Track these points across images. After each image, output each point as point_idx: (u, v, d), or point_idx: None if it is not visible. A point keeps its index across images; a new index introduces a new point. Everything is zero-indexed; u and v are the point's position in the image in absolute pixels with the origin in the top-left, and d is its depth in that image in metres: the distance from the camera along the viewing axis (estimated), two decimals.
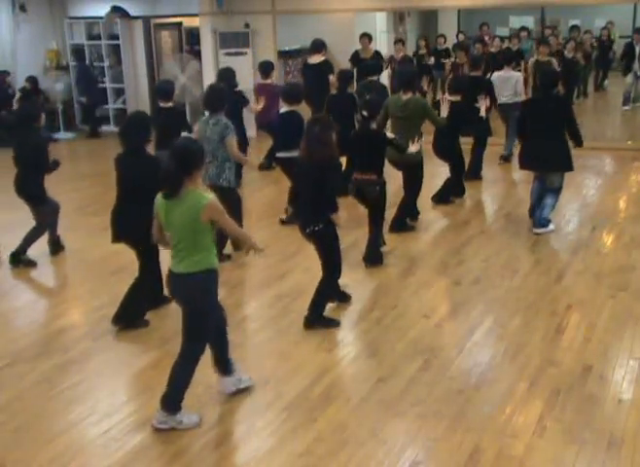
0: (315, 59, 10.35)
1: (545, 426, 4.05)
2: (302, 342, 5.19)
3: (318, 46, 10.31)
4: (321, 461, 3.82)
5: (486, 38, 13.33)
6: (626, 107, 13.99)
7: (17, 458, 3.94)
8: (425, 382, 4.56)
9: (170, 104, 7.92)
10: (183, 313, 4.13)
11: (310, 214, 5.29)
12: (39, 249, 7.19)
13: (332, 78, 9.76)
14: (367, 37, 11.11)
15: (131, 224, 5.28)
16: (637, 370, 4.64)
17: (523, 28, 13.80)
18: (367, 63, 10.25)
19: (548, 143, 7.07)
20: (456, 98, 8.15)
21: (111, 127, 13.65)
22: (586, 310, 5.57)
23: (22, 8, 13.52)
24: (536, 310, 5.59)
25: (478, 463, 3.76)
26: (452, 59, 12.44)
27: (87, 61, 13.99)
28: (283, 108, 7.84)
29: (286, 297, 5.98)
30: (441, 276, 6.36)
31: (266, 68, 9.96)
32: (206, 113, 6.76)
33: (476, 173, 9.49)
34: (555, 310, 5.57)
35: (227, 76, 9.09)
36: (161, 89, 8.01)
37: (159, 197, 4.08)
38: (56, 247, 7.22)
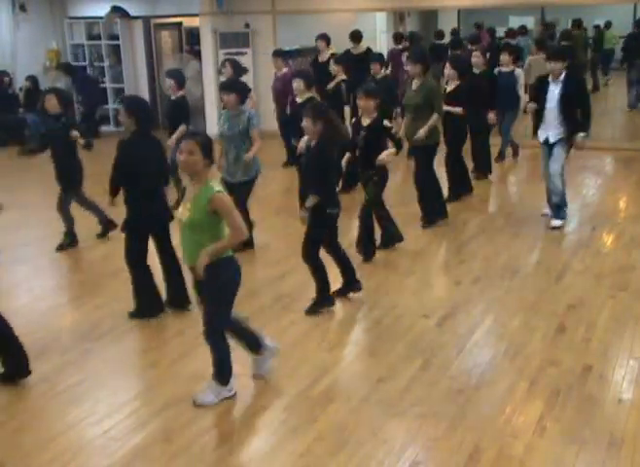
0: (357, 49, 10.71)
1: (545, 426, 4.04)
2: (302, 342, 5.20)
3: (359, 36, 10.78)
4: (321, 461, 3.82)
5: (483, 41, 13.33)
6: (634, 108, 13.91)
7: (17, 458, 3.94)
8: (425, 382, 4.56)
9: (182, 93, 8.13)
10: None
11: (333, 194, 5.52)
12: (39, 249, 7.20)
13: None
14: (324, 40, 10.66)
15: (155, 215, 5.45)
16: (637, 370, 4.64)
17: (522, 27, 13.86)
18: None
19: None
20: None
21: (111, 127, 13.67)
22: (586, 310, 5.57)
23: (22, 8, 13.53)
24: (536, 310, 5.59)
25: (478, 463, 3.76)
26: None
27: (86, 63, 14.01)
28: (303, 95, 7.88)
29: (286, 297, 5.98)
30: (441, 276, 6.36)
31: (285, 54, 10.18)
32: (242, 105, 6.87)
33: (486, 166, 9.50)
34: (555, 310, 5.57)
35: (238, 67, 9.31)
36: (175, 78, 8.18)
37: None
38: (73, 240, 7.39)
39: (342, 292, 5.88)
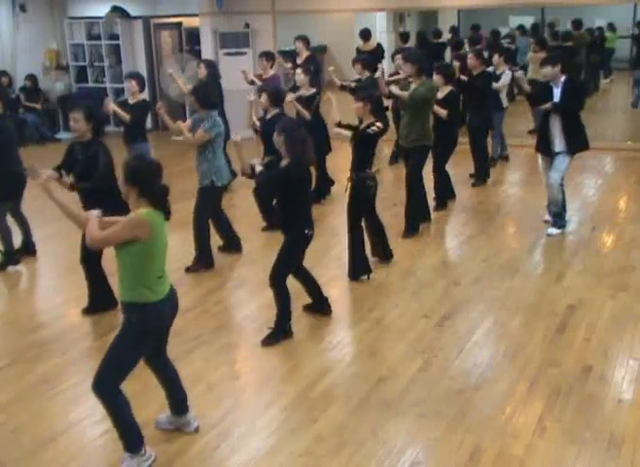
0: (368, 46, 10.82)
1: (545, 426, 4.05)
2: (302, 342, 5.19)
3: (368, 34, 10.95)
4: (321, 461, 3.82)
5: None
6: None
7: (17, 458, 3.94)
8: (425, 382, 4.56)
9: (143, 97, 7.84)
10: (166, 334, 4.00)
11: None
12: (38, 249, 7.20)
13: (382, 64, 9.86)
14: (302, 41, 10.06)
15: None
16: (637, 370, 4.64)
17: (520, 27, 13.92)
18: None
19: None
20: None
21: (111, 127, 13.65)
22: (586, 310, 5.57)
23: (22, 8, 13.52)
24: (536, 310, 5.59)
25: (478, 463, 3.76)
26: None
27: (86, 63, 14.01)
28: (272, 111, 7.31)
29: None
30: (441, 276, 6.35)
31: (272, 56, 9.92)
32: (209, 111, 6.43)
33: (484, 174, 9.43)
34: (555, 310, 5.57)
35: (214, 69, 9.24)
36: (137, 80, 7.83)
37: (155, 216, 3.62)
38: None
39: (312, 309, 5.61)
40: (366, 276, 6.27)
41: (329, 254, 6.87)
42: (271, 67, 9.45)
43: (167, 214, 3.69)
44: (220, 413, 4.30)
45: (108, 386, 3.72)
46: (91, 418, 4.29)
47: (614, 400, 4.32)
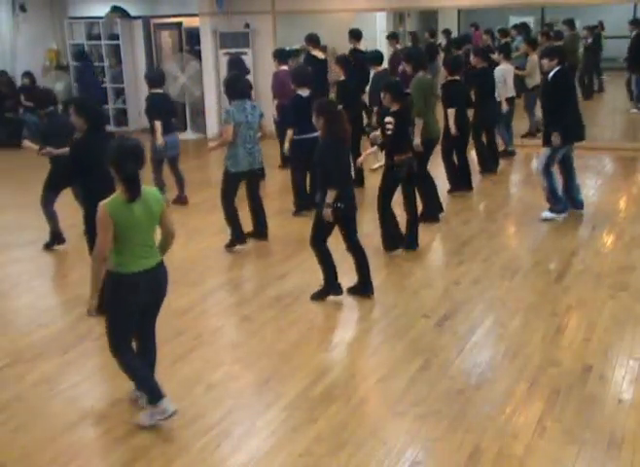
0: (361, 46, 10.93)
1: (545, 426, 4.04)
2: (302, 342, 5.19)
3: (358, 34, 10.94)
4: (321, 461, 3.82)
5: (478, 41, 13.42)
6: (634, 110, 13.88)
7: (17, 458, 3.94)
8: (425, 382, 4.56)
9: (154, 90, 8.46)
10: (152, 307, 4.14)
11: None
12: (39, 249, 7.19)
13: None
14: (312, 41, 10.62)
15: None
16: (637, 370, 4.64)
17: (515, 26, 14.04)
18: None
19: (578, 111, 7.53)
20: (455, 78, 8.20)
21: (111, 127, 13.66)
22: (586, 310, 5.57)
23: (22, 8, 13.52)
24: (536, 310, 5.59)
25: (478, 463, 3.76)
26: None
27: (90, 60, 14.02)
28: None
29: (286, 297, 5.98)
30: (441, 276, 6.35)
31: (282, 54, 10.13)
32: (233, 101, 6.88)
33: (490, 166, 9.55)
34: (555, 310, 5.57)
35: (238, 65, 9.38)
36: (154, 77, 8.63)
37: (113, 204, 3.84)
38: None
39: (355, 290, 5.87)
40: (399, 250, 6.75)
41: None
42: (280, 64, 9.93)
43: (130, 196, 3.84)
44: (220, 413, 4.29)
45: (113, 348, 4.09)
46: (91, 418, 4.29)
47: (614, 400, 4.32)
